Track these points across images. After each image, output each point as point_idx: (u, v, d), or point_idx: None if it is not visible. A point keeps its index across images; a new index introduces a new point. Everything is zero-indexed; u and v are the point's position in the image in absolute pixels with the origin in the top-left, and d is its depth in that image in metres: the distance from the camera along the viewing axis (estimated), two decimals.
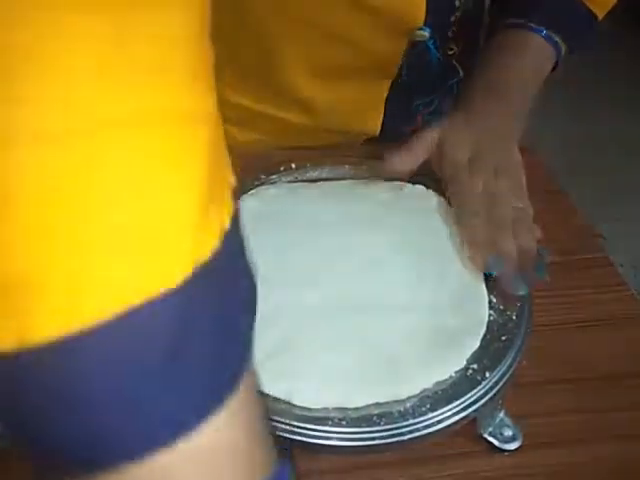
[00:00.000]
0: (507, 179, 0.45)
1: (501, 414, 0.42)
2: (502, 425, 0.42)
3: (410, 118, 0.63)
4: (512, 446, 0.41)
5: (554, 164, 0.60)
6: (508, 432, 0.41)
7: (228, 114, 0.59)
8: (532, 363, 0.44)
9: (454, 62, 0.60)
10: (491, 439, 0.41)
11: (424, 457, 0.41)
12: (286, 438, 0.36)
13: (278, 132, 0.60)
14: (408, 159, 0.49)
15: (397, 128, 0.61)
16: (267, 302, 0.42)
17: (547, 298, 0.43)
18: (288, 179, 0.52)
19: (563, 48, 0.52)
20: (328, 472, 0.39)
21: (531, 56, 0.51)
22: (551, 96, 0.54)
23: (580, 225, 0.56)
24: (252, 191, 0.50)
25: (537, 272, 0.43)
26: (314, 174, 0.53)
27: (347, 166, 0.53)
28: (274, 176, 0.52)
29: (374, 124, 0.60)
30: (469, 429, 0.40)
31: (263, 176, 0.52)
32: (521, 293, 0.42)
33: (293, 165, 0.53)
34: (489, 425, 0.41)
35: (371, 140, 0.62)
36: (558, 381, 0.45)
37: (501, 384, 0.38)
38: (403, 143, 0.50)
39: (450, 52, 0.59)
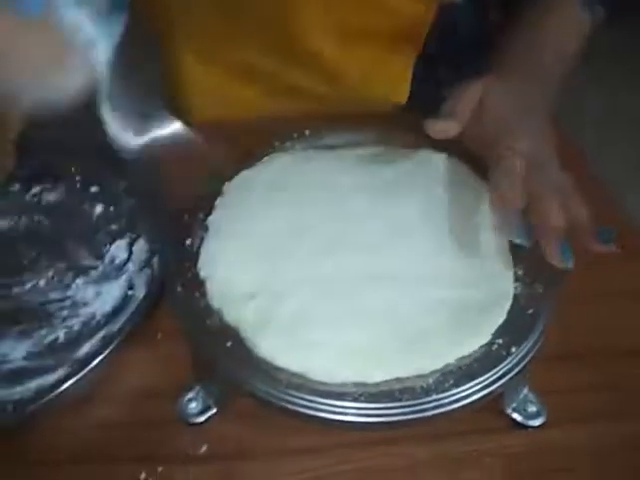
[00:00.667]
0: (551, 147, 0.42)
1: (525, 390, 0.40)
2: (526, 401, 0.40)
3: (438, 88, 0.60)
4: (536, 422, 0.40)
5: (580, 137, 0.57)
6: (532, 408, 0.40)
7: (248, 80, 0.57)
8: (559, 337, 0.42)
9: (491, 32, 0.56)
10: (515, 415, 0.40)
11: (444, 433, 0.39)
12: (302, 413, 0.35)
13: (301, 102, 0.57)
14: (454, 124, 0.45)
15: (423, 98, 0.59)
16: (283, 274, 0.41)
17: (575, 270, 0.40)
18: (302, 146, 0.50)
19: (598, 14, 0.49)
20: (341, 447, 0.38)
21: (565, 22, 0.49)
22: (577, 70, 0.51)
23: (607, 195, 0.54)
24: (265, 158, 0.48)
25: (605, 242, 0.39)
26: (329, 141, 0.51)
27: (364, 132, 0.51)
28: (288, 143, 0.50)
29: (401, 92, 0.57)
30: (493, 405, 0.39)
31: (277, 143, 0.50)
32: (569, 266, 0.39)
33: (307, 132, 0.51)
34: (513, 401, 0.40)
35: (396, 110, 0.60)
36: (586, 356, 0.43)
37: (527, 359, 0.36)
38: (446, 106, 0.45)
39: (489, 20, 0.55)
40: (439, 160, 0.47)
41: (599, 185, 0.55)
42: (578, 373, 0.43)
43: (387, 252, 0.42)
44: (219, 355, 0.37)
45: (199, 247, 0.42)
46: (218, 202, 0.45)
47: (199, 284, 0.40)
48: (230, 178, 0.46)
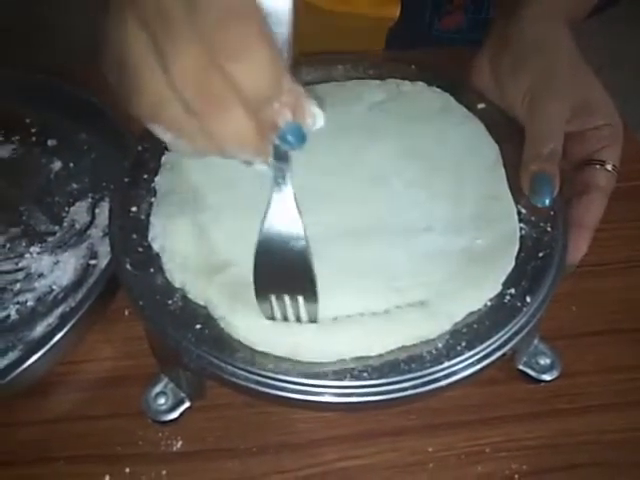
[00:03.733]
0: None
1: (535, 341, 0.36)
2: (537, 353, 0.36)
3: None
4: (550, 376, 0.36)
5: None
6: (545, 360, 0.36)
7: None
8: (584, 310, 0.38)
9: None
10: (527, 370, 0.36)
11: (456, 422, 0.36)
12: (293, 399, 0.29)
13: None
14: None
15: (420, 13, 0.53)
16: (251, 239, 0.34)
17: (602, 232, 0.35)
18: None
19: None
20: (346, 440, 0.34)
21: None
22: None
23: None
24: None
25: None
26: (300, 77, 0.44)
27: (340, 67, 0.44)
28: None
29: (392, 6, 0.53)
30: (504, 393, 0.35)
31: None
32: (546, 204, 0.35)
33: None
34: (524, 355, 0.36)
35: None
36: (615, 332, 0.39)
37: (544, 308, 0.32)
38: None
39: None
40: (416, 90, 0.41)
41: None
42: (609, 352, 0.39)
43: (367, 203, 0.36)
44: (188, 341, 0.30)
45: (148, 214, 0.35)
46: (165, 159, 0.38)
47: (152, 258, 0.34)
48: None
